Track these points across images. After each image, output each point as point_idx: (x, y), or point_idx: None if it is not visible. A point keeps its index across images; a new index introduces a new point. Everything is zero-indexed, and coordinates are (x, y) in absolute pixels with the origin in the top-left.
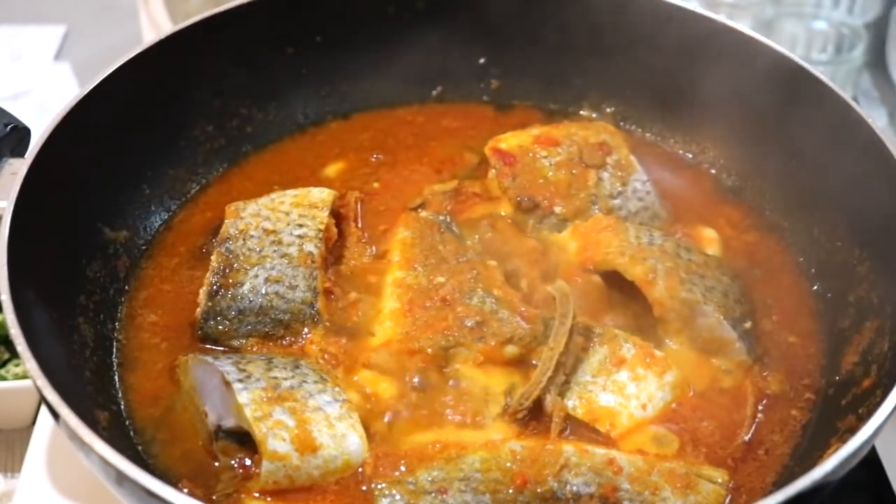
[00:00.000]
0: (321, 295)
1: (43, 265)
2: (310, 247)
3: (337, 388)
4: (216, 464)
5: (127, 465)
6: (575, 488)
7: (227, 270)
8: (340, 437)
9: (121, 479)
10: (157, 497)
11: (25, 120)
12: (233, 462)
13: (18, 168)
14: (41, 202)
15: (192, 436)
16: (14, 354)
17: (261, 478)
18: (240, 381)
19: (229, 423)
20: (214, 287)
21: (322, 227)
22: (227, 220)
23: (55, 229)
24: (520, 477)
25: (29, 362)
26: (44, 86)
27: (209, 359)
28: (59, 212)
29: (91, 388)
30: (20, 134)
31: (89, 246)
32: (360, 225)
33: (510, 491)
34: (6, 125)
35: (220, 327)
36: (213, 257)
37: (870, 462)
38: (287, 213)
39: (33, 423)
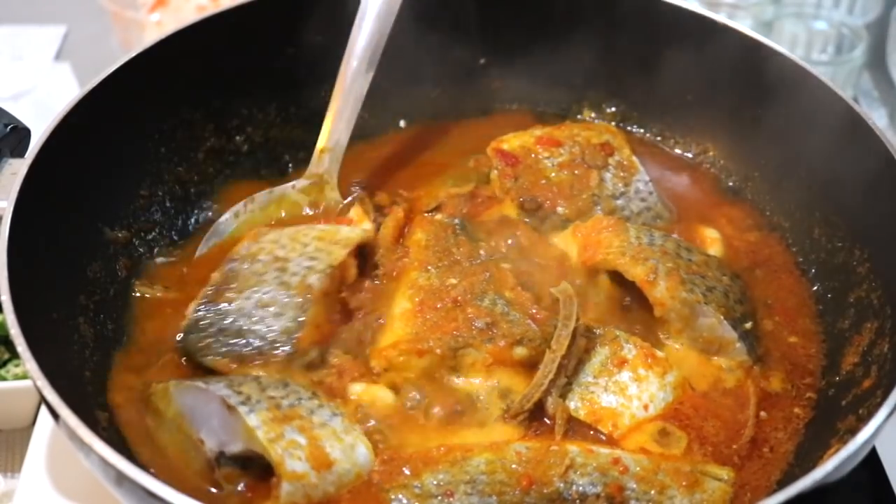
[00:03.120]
0: (309, 329)
1: (43, 265)
2: (312, 279)
3: (332, 403)
4: (213, 490)
5: (126, 465)
6: (581, 488)
7: (222, 288)
8: (350, 448)
9: (120, 479)
10: (156, 497)
11: (25, 120)
12: (239, 487)
13: (18, 168)
14: (41, 202)
15: (183, 466)
16: (14, 354)
17: (280, 500)
18: (242, 403)
19: (235, 448)
20: (204, 301)
21: (335, 263)
22: (243, 241)
23: (55, 229)
24: (525, 478)
25: (29, 363)
26: (44, 86)
27: (200, 384)
28: (59, 212)
29: (91, 389)
30: (20, 134)
31: (89, 246)
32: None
33: (516, 492)
34: (6, 125)
35: (199, 343)
36: (214, 273)
37: (870, 462)
38: (305, 245)
39: (33, 423)
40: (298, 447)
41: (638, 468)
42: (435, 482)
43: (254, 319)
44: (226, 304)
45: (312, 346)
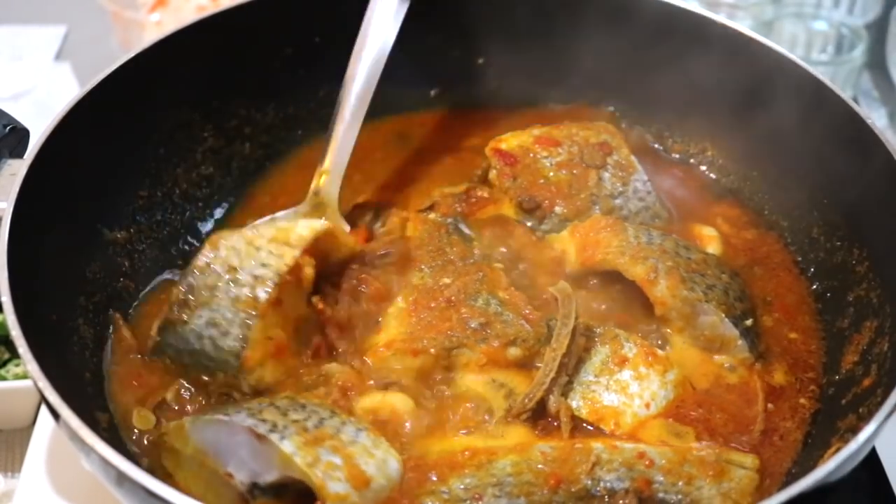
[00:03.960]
0: (256, 345)
1: (43, 266)
2: (260, 291)
3: (353, 418)
4: None
5: (127, 466)
6: (609, 484)
7: (181, 307)
8: (383, 463)
9: (121, 479)
10: (157, 497)
11: (25, 120)
12: None
13: (18, 169)
14: (41, 203)
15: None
16: (14, 354)
17: None
18: (272, 431)
19: (270, 477)
20: (165, 323)
21: (282, 270)
22: (203, 250)
23: (55, 230)
24: (553, 477)
25: (30, 364)
26: (44, 86)
27: (222, 416)
28: (58, 213)
29: (91, 390)
30: (19, 135)
31: (89, 247)
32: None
33: (544, 492)
34: (5, 126)
35: (164, 363)
36: (175, 289)
37: (870, 462)
38: (258, 250)
39: (33, 423)
40: (336, 468)
41: (664, 461)
42: (462, 486)
43: (204, 339)
44: (181, 327)
45: (266, 361)
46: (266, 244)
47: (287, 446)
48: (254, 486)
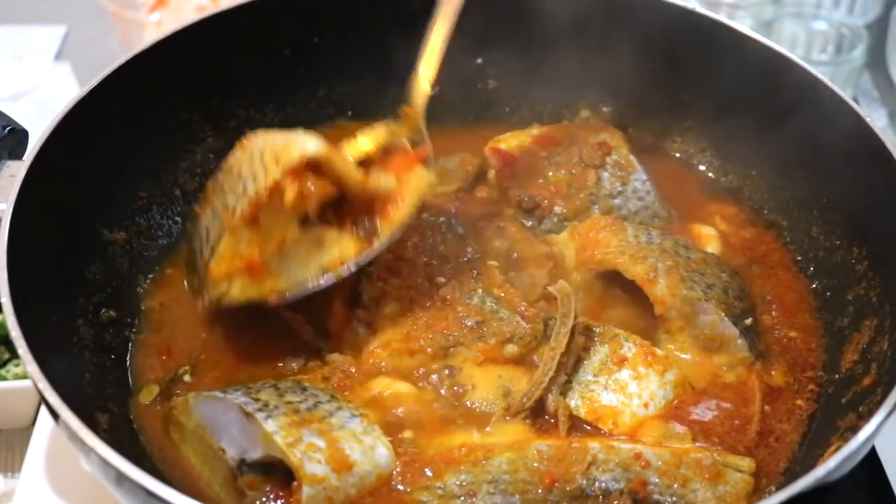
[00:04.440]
0: (222, 258)
1: (42, 267)
2: (239, 206)
3: (351, 404)
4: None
5: (127, 466)
6: (604, 485)
7: (203, 202)
8: (370, 450)
9: (120, 479)
10: (156, 497)
11: (26, 120)
12: (264, 498)
13: (17, 170)
14: (40, 204)
15: (209, 477)
16: (14, 354)
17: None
18: (259, 410)
19: (255, 454)
20: (192, 212)
21: (261, 188)
22: (236, 148)
23: (54, 231)
24: (548, 476)
25: (30, 364)
26: (44, 86)
27: (218, 393)
28: (57, 214)
29: (91, 390)
30: (18, 136)
31: (88, 248)
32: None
33: (539, 491)
34: (4, 127)
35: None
36: (209, 182)
37: (869, 461)
38: (261, 160)
39: (33, 423)
40: (317, 450)
41: (660, 462)
42: (457, 482)
43: (197, 240)
44: (197, 221)
45: (234, 277)
46: (266, 157)
47: (270, 425)
48: (242, 463)
